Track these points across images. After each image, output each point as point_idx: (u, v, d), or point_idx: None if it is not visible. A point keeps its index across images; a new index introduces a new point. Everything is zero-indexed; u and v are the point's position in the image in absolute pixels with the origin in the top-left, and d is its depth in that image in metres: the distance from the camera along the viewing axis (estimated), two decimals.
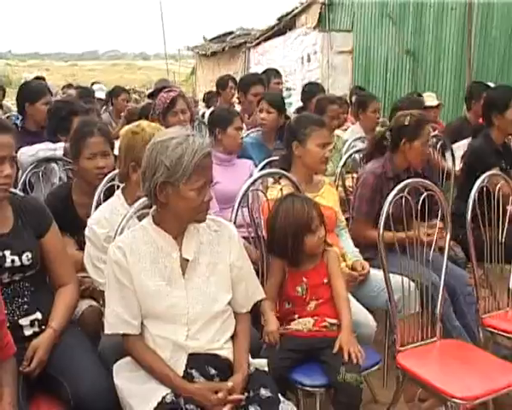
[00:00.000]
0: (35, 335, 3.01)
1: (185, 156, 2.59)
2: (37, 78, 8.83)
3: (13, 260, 3.03)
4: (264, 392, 2.66)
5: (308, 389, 3.16)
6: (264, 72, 7.94)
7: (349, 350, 3.11)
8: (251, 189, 3.74)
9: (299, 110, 7.54)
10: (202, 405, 2.59)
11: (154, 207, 2.85)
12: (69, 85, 10.82)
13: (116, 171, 3.83)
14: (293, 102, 13.58)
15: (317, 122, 4.16)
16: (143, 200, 3.10)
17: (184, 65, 36.36)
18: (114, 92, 9.11)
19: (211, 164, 2.71)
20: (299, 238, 3.35)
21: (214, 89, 10.69)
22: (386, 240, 3.51)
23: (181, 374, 2.67)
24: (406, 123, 4.39)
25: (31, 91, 5.74)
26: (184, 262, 2.77)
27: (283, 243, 3.36)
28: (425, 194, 3.63)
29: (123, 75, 58.57)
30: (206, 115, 7.78)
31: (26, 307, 3.05)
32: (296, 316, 3.37)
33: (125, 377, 2.79)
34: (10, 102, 11.77)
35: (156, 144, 2.66)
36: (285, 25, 18.49)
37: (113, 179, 3.89)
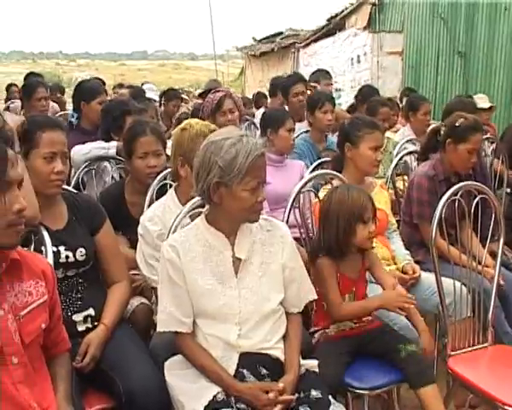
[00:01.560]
0: (88, 331, 3.04)
1: (239, 157, 2.60)
2: (97, 79, 8.89)
3: (67, 256, 3.08)
4: (314, 393, 2.66)
5: (359, 391, 3.15)
6: (314, 73, 7.92)
7: (402, 306, 3.19)
8: (303, 189, 3.74)
9: (349, 110, 7.54)
10: (253, 404, 2.60)
11: (206, 206, 2.87)
12: (120, 85, 10.91)
13: (168, 170, 3.88)
14: (343, 103, 13.52)
15: (370, 125, 4.14)
16: (196, 199, 3.12)
17: (232, 65, 36.55)
18: (167, 96, 9.11)
19: (265, 164, 2.71)
20: (350, 226, 3.27)
21: (263, 89, 10.70)
22: (440, 249, 3.48)
23: (232, 373, 2.68)
24: (457, 124, 4.34)
25: (86, 90, 5.81)
26: (237, 262, 2.78)
27: (334, 229, 3.29)
28: (478, 197, 3.59)
29: (171, 75, 59.10)
30: (257, 115, 7.79)
31: (79, 302, 3.10)
32: (333, 321, 3.36)
33: (176, 374, 2.82)
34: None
35: (210, 145, 2.68)
36: (335, 25, 18.42)
37: (165, 178, 3.94)
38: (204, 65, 68.44)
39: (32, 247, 2.89)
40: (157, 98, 9.55)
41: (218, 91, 5.11)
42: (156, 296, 3.09)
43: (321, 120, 5.79)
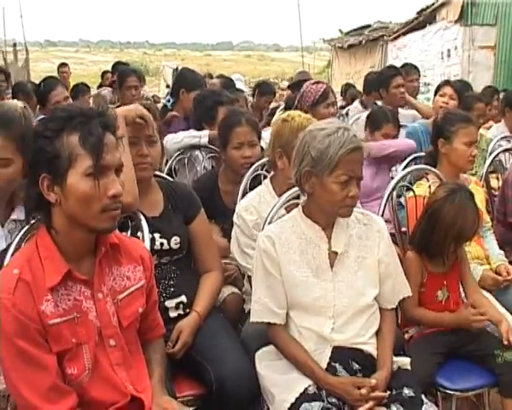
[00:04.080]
0: (179, 317, 3.08)
1: (331, 148, 2.58)
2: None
3: (162, 244, 3.12)
4: (407, 391, 2.62)
5: (449, 392, 3.09)
6: (402, 67, 7.80)
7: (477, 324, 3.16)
8: (399, 184, 3.70)
9: None
10: (344, 399, 2.58)
11: (302, 198, 2.87)
12: (210, 75, 10.95)
13: (262, 160, 3.89)
14: (432, 97, 13.28)
15: (463, 119, 4.05)
16: (292, 191, 3.12)
17: (317, 57, 36.40)
18: (260, 90, 9.04)
19: (359, 159, 2.66)
20: (458, 241, 3.25)
21: (350, 82, 10.57)
22: None
23: (324, 367, 2.67)
24: None
25: (190, 80, 5.92)
26: (333, 255, 2.76)
27: (436, 233, 3.25)
28: None
29: (256, 66, 59.20)
30: (351, 109, 7.72)
31: (172, 289, 3.13)
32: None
33: (267, 365, 2.83)
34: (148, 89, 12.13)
35: (307, 134, 2.69)
36: (425, 18, 18.07)
37: (260, 168, 3.96)
38: (289, 56, 68.37)
39: (129, 232, 2.94)
40: (245, 89, 9.56)
41: (318, 83, 5.08)
42: (251, 285, 3.10)
43: (437, 102, 5.89)
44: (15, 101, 3.05)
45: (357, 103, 7.97)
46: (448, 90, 5.76)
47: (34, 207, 2.26)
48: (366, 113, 5.70)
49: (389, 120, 5.08)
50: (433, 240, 3.27)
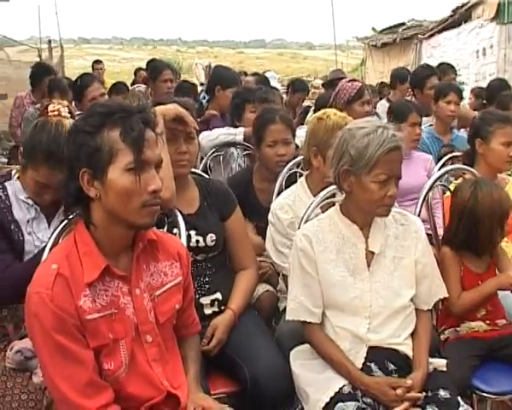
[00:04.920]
0: (214, 315, 3.09)
1: (370, 147, 2.57)
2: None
3: (197, 241, 3.13)
4: (443, 393, 2.60)
5: (485, 395, 3.06)
6: (438, 66, 7.73)
7: None
8: (436, 184, 3.67)
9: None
10: (380, 399, 2.57)
11: (338, 196, 2.86)
12: (244, 73, 10.95)
13: (297, 159, 3.88)
14: (466, 97, 13.16)
15: (501, 119, 4.01)
16: (327, 190, 3.11)
17: (350, 56, 36.22)
18: (294, 86, 9.03)
19: (398, 158, 2.65)
20: (502, 224, 3.21)
21: (384, 80, 10.49)
22: None
23: (359, 366, 2.65)
24: None
25: (225, 77, 5.91)
26: (370, 255, 2.75)
27: (480, 228, 3.21)
28: None
29: (289, 64, 59.07)
30: (378, 107, 7.68)
31: (207, 286, 3.14)
32: (465, 320, 3.27)
33: (301, 364, 2.82)
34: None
35: (345, 132, 2.67)
36: (460, 16, 17.87)
37: (296, 167, 3.94)
38: (321, 55, 68.06)
39: (165, 229, 2.95)
40: (278, 87, 9.54)
41: (354, 81, 5.06)
42: (286, 284, 3.09)
43: (443, 109, 5.69)
44: (65, 113, 2.99)
45: (384, 101, 7.95)
46: (453, 97, 5.63)
47: (73, 202, 2.26)
48: None
49: (412, 110, 4.99)
50: (480, 237, 3.23)
